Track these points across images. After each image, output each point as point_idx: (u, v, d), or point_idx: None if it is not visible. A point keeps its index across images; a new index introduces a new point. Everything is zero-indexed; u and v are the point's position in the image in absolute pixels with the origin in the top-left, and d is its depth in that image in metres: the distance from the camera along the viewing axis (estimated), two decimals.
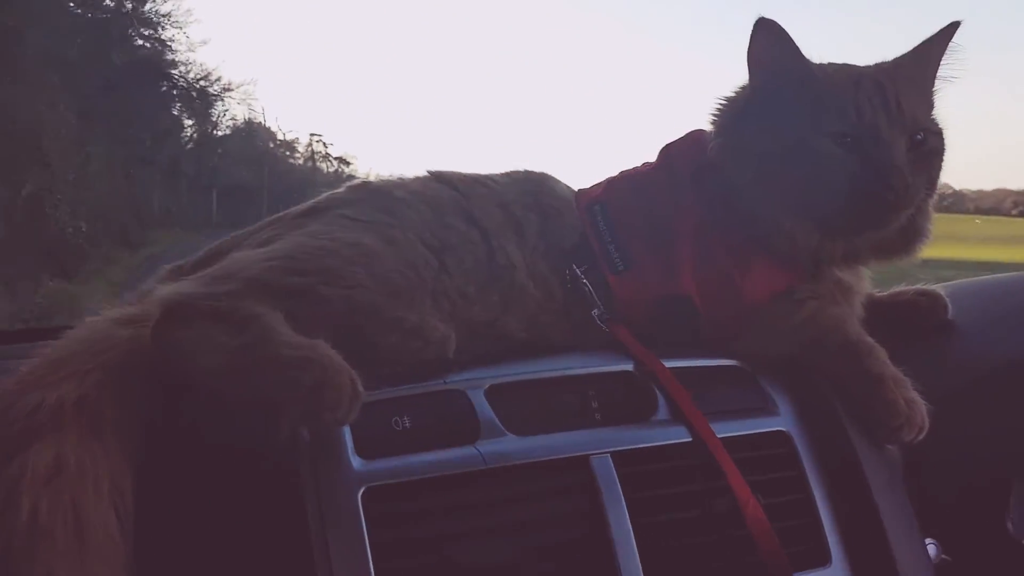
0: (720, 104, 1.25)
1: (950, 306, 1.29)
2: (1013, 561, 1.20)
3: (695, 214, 1.19)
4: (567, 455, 0.97)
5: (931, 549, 1.11)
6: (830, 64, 1.20)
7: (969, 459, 1.21)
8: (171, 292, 0.98)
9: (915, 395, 1.09)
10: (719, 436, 1.02)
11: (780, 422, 1.09)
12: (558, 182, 1.32)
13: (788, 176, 1.14)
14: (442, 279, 1.12)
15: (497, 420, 0.97)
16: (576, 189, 1.32)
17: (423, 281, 1.10)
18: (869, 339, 1.14)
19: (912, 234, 1.18)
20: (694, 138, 1.26)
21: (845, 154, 1.12)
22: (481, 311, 1.14)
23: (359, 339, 1.02)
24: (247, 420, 0.89)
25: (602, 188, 1.29)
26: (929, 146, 1.15)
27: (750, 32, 1.15)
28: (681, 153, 1.27)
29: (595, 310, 1.16)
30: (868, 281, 1.30)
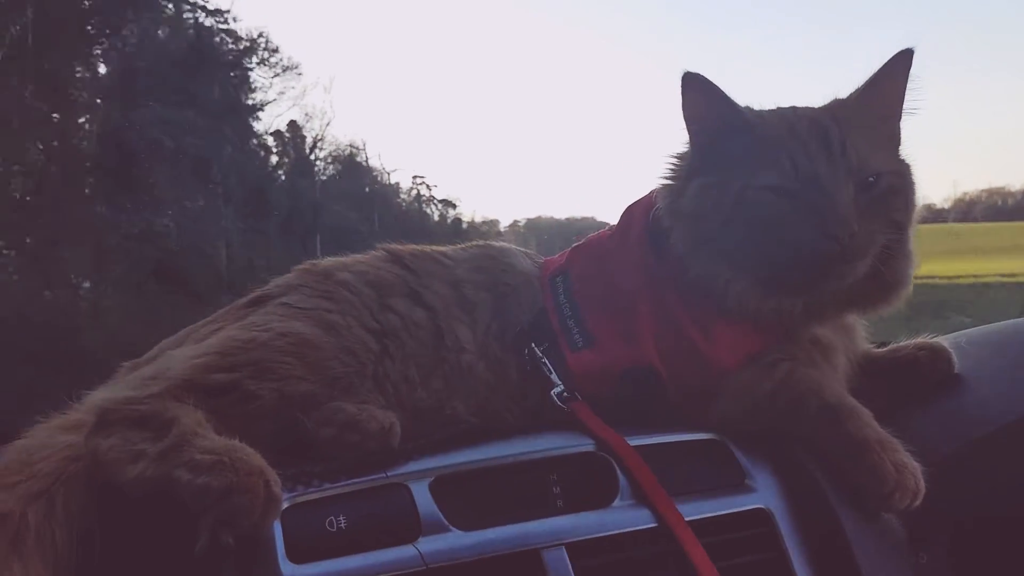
0: (669, 162, 1.20)
1: (955, 359, 1.19)
2: None
3: (653, 280, 1.14)
4: (517, 549, 0.90)
5: None
6: (769, 110, 1.15)
7: (996, 527, 1.10)
8: (101, 398, 0.98)
9: (906, 458, 1.00)
10: (691, 518, 0.95)
11: (759, 498, 1.01)
12: (517, 255, 1.28)
13: (729, 235, 1.09)
14: (384, 363, 1.09)
15: (441, 515, 0.92)
16: (542, 260, 1.28)
17: (363, 366, 1.07)
18: (851, 400, 1.05)
19: (886, 283, 1.10)
20: (650, 200, 1.21)
21: (783, 205, 1.06)
22: (425, 396, 1.10)
23: (300, 432, 1.00)
24: (170, 529, 0.85)
25: (565, 257, 1.25)
26: (883, 187, 1.08)
27: (680, 89, 1.12)
28: (637, 216, 1.22)
29: (555, 389, 1.11)
30: (861, 336, 1.21)
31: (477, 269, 1.23)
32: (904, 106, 1.15)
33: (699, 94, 1.13)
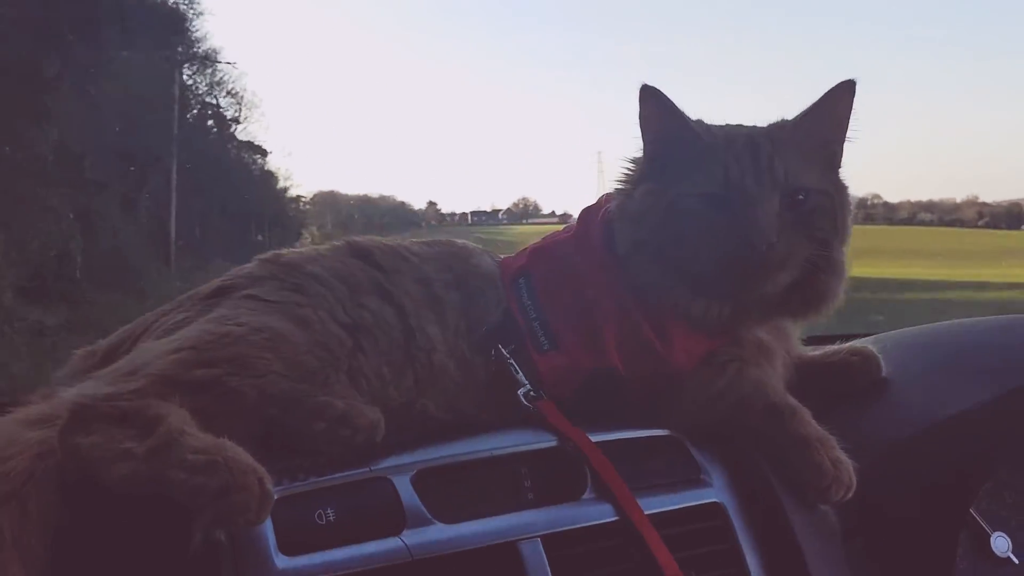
0: (624, 167, 1.27)
1: (883, 364, 1.30)
2: None
3: (612, 283, 1.20)
4: (496, 542, 0.96)
5: None
6: (716, 125, 1.22)
7: (913, 514, 1.21)
8: (77, 394, 0.95)
9: (841, 455, 1.09)
10: (651, 512, 1.02)
11: (713, 493, 1.08)
12: (481, 254, 1.32)
13: (661, 239, 1.16)
14: (357, 358, 1.10)
15: (424, 508, 0.96)
16: (500, 259, 1.32)
17: (337, 361, 1.08)
18: (792, 400, 1.14)
19: (812, 295, 1.18)
20: (605, 203, 1.27)
21: (710, 213, 1.14)
22: (396, 393, 1.12)
23: (281, 429, 1.01)
24: (160, 526, 0.86)
25: (526, 257, 1.29)
26: (811, 205, 1.15)
27: (638, 99, 1.19)
28: (593, 219, 1.28)
29: (521, 389, 1.15)
30: (796, 340, 1.31)
31: (444, 268, 1.25)
32: (847, 133, 1.23)
33: (653, 106, 1.20)
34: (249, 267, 1.21)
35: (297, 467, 0.96)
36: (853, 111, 1.21)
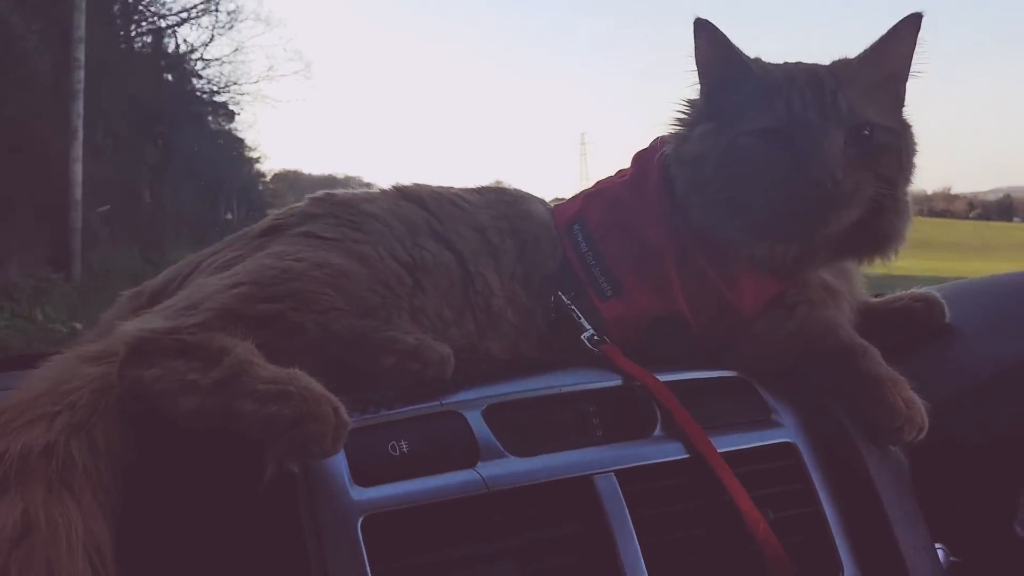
0: (679, 109, 1.24)
1: (947, 310, 1.27)
2: (1022, 563, 1.18)
3: (674, 229, 1.17)
4: (570, 476, 0.94)
5: (940, 554, 1.09)
6: (773, 63, 1.19)
7: (975, 463, 1.20)
8: (135, 328, 0.93)
9: (913, 395, 1.07)
10: (722, 450, 1.00)
11: (784, 433, 1.06)
12: (533, 201, 1.30)
13: (723, 180, 1.13)
14: (417, 297, 1.09)
15: (497, 441, 0.94)
16: (552, 205, 1.30)
17: (398, 298, 1.07)
18: (862, 340, 1.12)
19: (878, 235, 1.16)
20: (658, 146, 1.25)
21: (773, 149, 1.10)
22: (459, 335, 1.11)
23: (345, 364, 0.99)
24: (230, 458, 0.85)
25: (579, 204, 1.27)
26: (876, 141, 1.12)
27: (692, 34, 1.16)
28: (649, 163, 1.25)
29: (585, 333, 1.13)
30: (860, 283, 1.28)
31: (499, 216, 1.23)
32: (910, 69, 1.19)
33: (708, 41, 1.17)
34: (300, 205, 1.19)
35: (367, 400, 0.95)
36: (917, 47, 1.18)
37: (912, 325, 1.28)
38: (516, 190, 1.33)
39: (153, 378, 0.87)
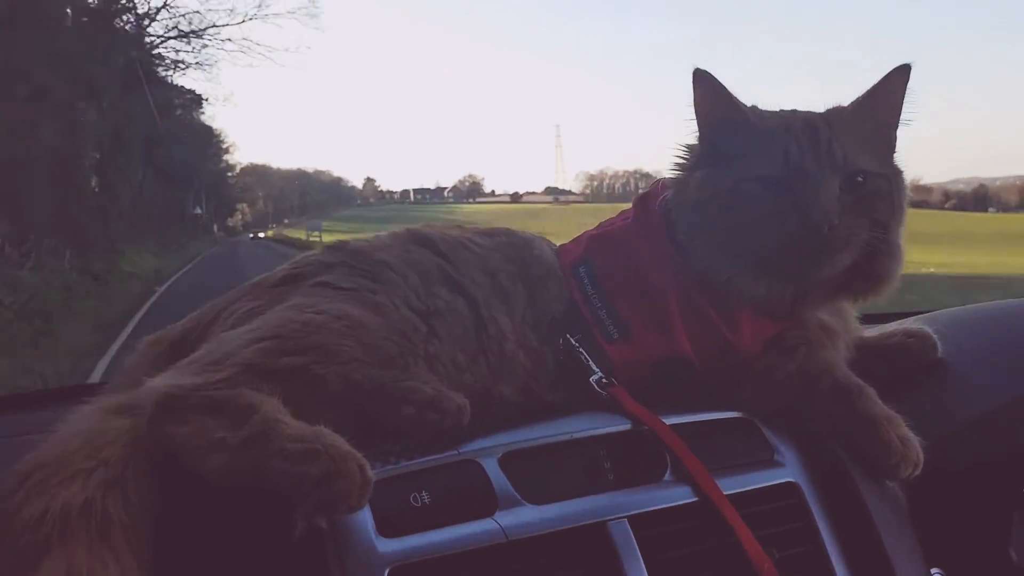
0: (678, 153, 1.29)
1: (939, 345, 1.32)
2: None
3: (675, 271, 1.22)
4: (586, 522, 0.97)
5: None
6: (770, 111, 1.24)
7: (968, 489, 1.24)
8: (163, 384, 0.96)
9: (908, 432, 1.12)
10: (728, 492, 1.04)
11: (787, 473, 1.11)
12: (540, 243, 1.33)
13: (723, 224, 1.18)
14: (432, 344, 1.12)
15: (513, 490, 0.98)
16: (557, 247, 1.34)
17: (414, 346, 1.10)
18: (858, 380, 1.16)
19: (871, 276, 1.20)
20: (660, 189, 1.29)
21: (772, 196, 1.15)
22: (472, 380, 1.14)
23: (366, 415, 1.02)
24: (259, 510, 0.88)
25: (583, 247, 1.31)
26: (870, 188, 1.17)
27: (692, 84, 1.21)
28: (650, 207, 1.30)
29: (593, 376, 1.16)
30: (855, 322, 1.33)
31: (509, 259, 1.27)
32: (900, 117, 1.25)
33: (707, 90, 1.22)
34: (315, 254, 1.23)
35: (388, 451, 0.98)
36: (907, 96, 1.23)
37: (906, 361, 1.33)
38: (524, 233, 1.37)
39: (183, 436, 0.90)
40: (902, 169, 1.25)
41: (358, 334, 1.07)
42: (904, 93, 1.23)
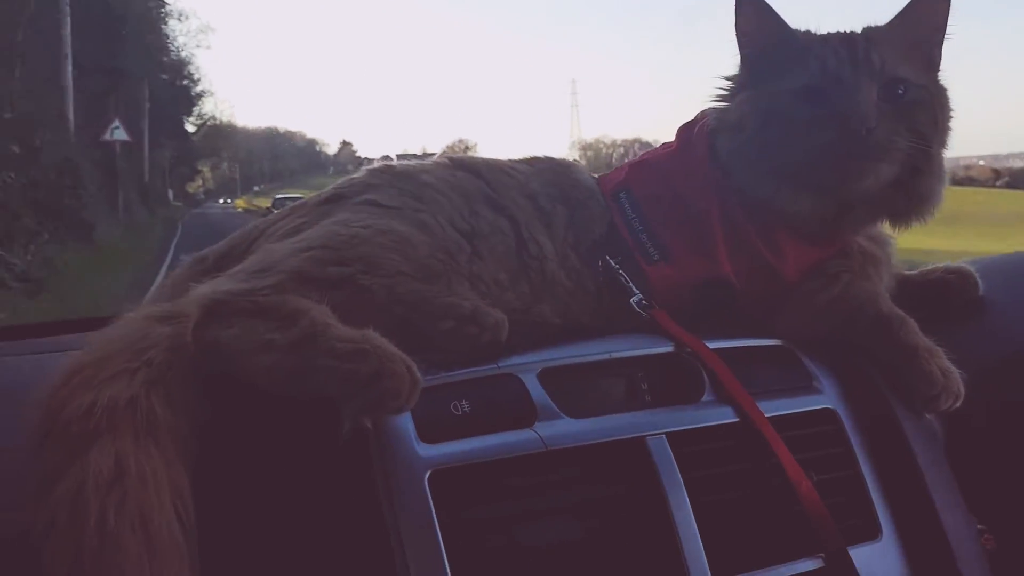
0: (720, 84, 1.29)
1: (980, 283, 1.30)
2: None
3: (717, 195, 1.21)
4: (624, 437, 0.98)
5: None
6: (810, 32, 1.23)
7: (1007, 435, 1.23)
8: (209, 291, 0.96)
9: (949, 364, 1.11)
10: (767, 415, 1.04)
11: (825, 399, 1.10)
12: (580, 171, 1.33)
13: (760, 139, 1.18)
14: (475, 264, 1.13)
15: (552, 403, 0.98)
16: (597, 176, 1.33)
17: (458, 265, 1.11)
18: (900, 311, 1.15)
19: (915, 195, 1.19)
20: (701, 119, 1.29)
21: (808, 105, 1.15)
22: (514, 298, 1.14)
23: (408, 327, 1.02)
24: (306, 415, 0.88)
25: (624, 173, 1.30)
26: (910, 97, 1.16)
27: (734, 6, 1.21)
28: (694, 134, 1.29)
29: (633, 298, 1.16)
30: (895, 253, 1.31)
31: (549, 183, 1.27)
32: (944, 33, 1.23)
33: (751, 11, 1.22)
34: (360, 176, 1.23)
35: (428, 362, 0.98)
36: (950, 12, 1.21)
37: (946, 297, 1.31)
38: (564, 160, 1.37)
39: (231, 338, 0.90)
40: (946, 88, 1.23)
41: (403, 249, 1.07)
42: (947, 10, 1.21)
